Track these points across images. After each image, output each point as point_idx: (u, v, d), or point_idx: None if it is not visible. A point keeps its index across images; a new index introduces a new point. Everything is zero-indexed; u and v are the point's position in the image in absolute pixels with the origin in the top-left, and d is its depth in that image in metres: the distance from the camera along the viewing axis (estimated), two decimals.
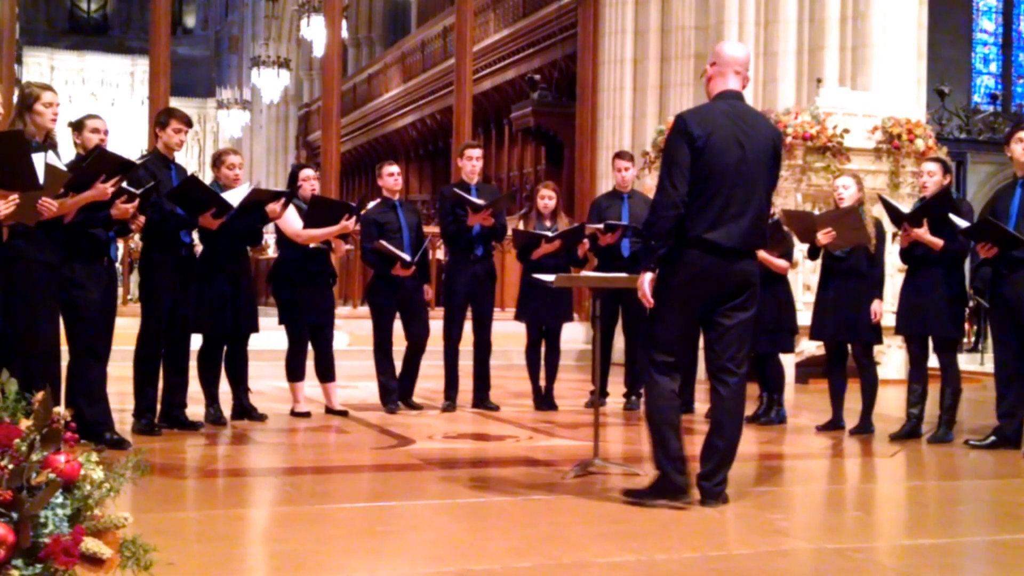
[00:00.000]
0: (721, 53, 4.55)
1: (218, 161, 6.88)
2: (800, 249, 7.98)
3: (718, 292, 4.33)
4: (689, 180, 4.30)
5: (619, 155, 8.16)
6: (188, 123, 6.40)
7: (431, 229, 9.29)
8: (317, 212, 7.02)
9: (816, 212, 7.42)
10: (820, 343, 7.67)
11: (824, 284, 6.88)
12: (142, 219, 5.83)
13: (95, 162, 5.32)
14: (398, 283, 7.42)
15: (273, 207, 6.65)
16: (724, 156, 4.30)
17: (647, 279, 4.40)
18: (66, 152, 5.57)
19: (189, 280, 6.35)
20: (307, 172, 7.38)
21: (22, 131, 4.93)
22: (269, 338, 7.21)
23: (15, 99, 5.30)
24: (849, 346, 6.93)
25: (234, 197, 6.36)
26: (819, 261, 7.03)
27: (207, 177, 7.02)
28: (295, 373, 7.19)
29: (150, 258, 6.28)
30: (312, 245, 7.05)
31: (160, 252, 6.22)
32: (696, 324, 4.43)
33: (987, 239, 6.06)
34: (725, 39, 4.42)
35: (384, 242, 7.30)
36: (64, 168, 5.07)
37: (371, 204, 7.82)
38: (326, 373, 7.28)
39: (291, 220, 6.99)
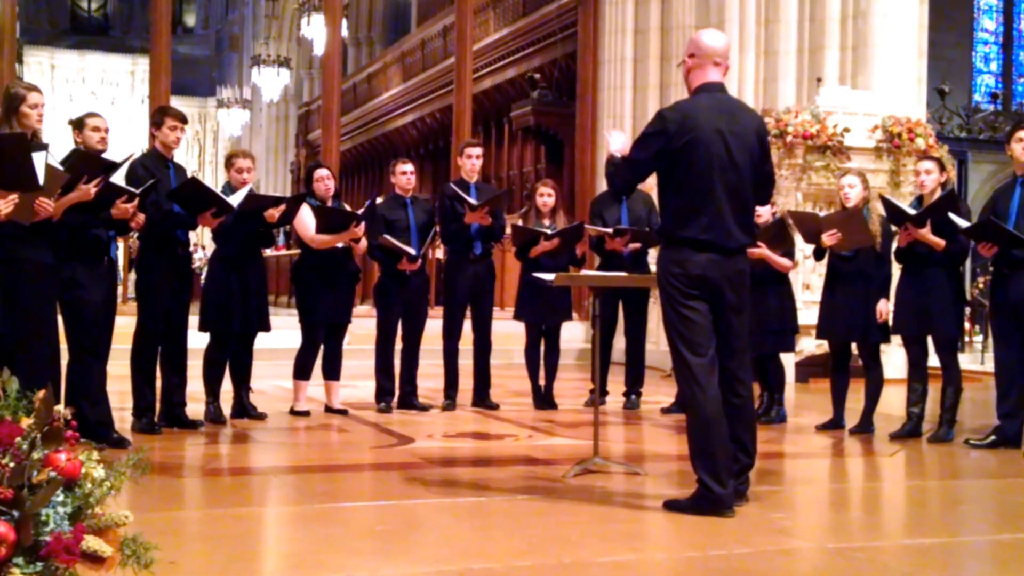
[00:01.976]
0: (701, 44, 4.43)
1: (228, 163, 6.92)
2: (802, 249, 7.97)
3: (717, 291, 4.30)
4: (645, 176, 4.42)
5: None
6: (183, 120, 6.39)
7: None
8: (325, 220, 7.03)
9: (821, 214, 7.41)
10: (820, 342, 7.67)
11: (831, 284, 6.86)
12: (142, 218, 5.82)
13: (75, 164, 5.30)
14: (404, 283, 7.41)
15: (271, 212, 6.62)
16: (710, 154, 4.26)
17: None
18: (64, 151, 5.56)
19: (185, 278, 6.34)
20: (321, 172, 7.34)
21: (24, 133, 4.92)
22: (272, 337, 7.21)
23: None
24: (854, 346, 6.92)
25: (235, 197, 6.38)
26: (823, 261, 7.03)
27: (207, 176, 7.04)
28: (303, 372, 7.20)
29: (147, 257, 6.28)
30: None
31: (157, 251, 6.22)
32: (710, 316, 4.31)
33: (988, 239, 6.06)
34: (720, 35, 4.37)
35: (388, 237, 7.29)
36: (61, 168, 5.06)
37: (378, 200, 7.80)
38: (332, 371, 7.29)
39: (306, 222, 7.00)
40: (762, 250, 6.83)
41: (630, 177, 4.61)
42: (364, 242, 7.25)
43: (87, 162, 5.36)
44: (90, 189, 5.27)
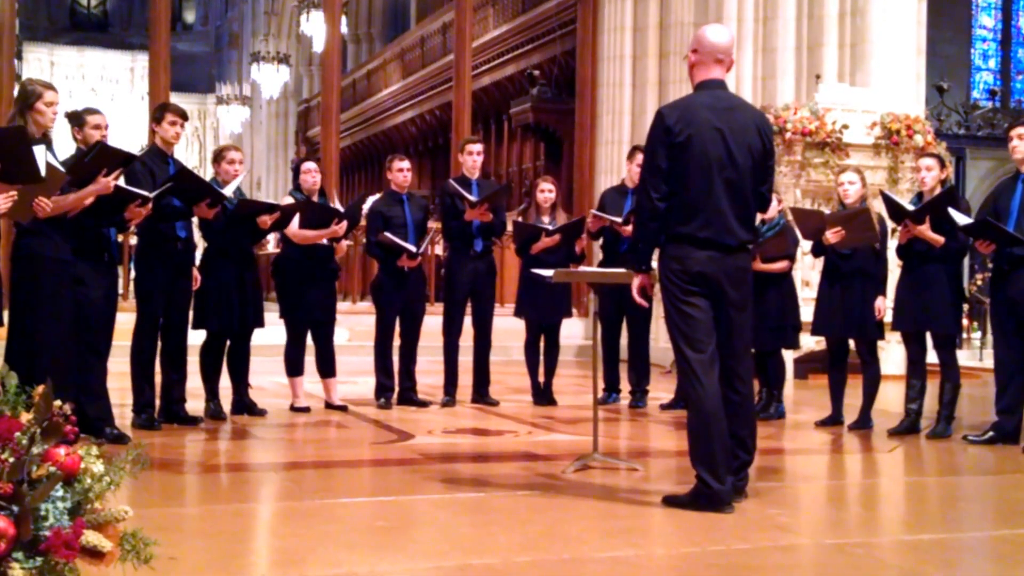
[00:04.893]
0: (703, 40, 4.42)
1: (219, 157, 6.89)
2: (801, 246, 7.96)
3: (717, 287, 4.31)
4: (670, 179, 4.27)
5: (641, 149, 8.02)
6: (183, 116, 6.40)
7: (434, 224, 9.28)
8: (307, 215, 7.02)
9: (826, 211, 7.40)
10: (819, 339, 7.68)
11: (829, 281, 6.86)
12: (149, 208, 5.82)
13: (97, 157, 5.33)
14: (402, 280, 7.41)
15: (264, 219, 6.62)
16: (708, 151, 4.25)
17: (636, 283, 4.43)
18: (63, 145, 5.56)
19: (185, 275, 6.35)
20: (308, 165, 7.35)
21: (24, 127, 4.93)
22: (270, 333, 7.21)
23: (15, 95, 5.30)
24: (852, 342, 6.92)
25: (228, 189, 6.41)
26: (820, 258, 7.03)
27: (208, 174, 7.02)
28: (294, 368, 7.20)
29: (145, 253, 6.28)
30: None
31: (155, 248, 6.22)
32: (711, 312, 4.31)
33: (985, 237, 6.06)
34: (724, 31, 4.40)
35: (389, 234, 7.30)
36: (62, 169, 5.07)
37: (372, 198, 7.79)
38: (326, 369, 7.28)
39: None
40: (757, 264, 6.89)
41: (662, 184, 4.30)
42: (345, 243, 7.24)
43: (108, 155, 5.38)
44: (110, 182, 5.30)
